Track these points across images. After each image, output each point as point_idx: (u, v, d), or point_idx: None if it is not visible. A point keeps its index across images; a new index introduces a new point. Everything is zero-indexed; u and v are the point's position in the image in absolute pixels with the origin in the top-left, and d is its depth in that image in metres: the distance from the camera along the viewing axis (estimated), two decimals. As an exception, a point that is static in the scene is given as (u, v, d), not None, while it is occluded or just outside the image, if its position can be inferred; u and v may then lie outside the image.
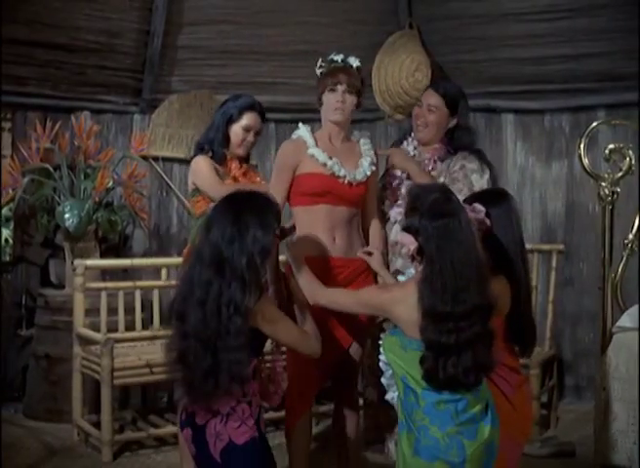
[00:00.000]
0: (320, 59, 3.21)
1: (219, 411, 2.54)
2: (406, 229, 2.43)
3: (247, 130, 3.56)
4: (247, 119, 3.56)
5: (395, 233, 3.34)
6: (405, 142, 3.57)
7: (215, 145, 3.56)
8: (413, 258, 2.45)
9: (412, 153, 3.51)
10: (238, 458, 2.54)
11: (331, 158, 3.10)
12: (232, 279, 2.45)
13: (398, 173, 3.47)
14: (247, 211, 2.50)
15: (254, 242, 2.46)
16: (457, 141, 3.46)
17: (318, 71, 3.19)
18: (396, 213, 3.34)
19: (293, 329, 2.68)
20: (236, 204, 2.54)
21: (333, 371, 3.19)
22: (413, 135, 3.58)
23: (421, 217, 2.36)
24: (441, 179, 3.33)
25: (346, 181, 3.10)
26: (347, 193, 3.12)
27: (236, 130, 3.56)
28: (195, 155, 3.59)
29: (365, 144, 3.25)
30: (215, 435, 2.54)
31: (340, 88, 3.12)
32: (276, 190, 3.08)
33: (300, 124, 3.22)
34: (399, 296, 2.45)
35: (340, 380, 3.27)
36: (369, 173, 3.18)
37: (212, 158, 3.55)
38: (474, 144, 3.55)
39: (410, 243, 2.40)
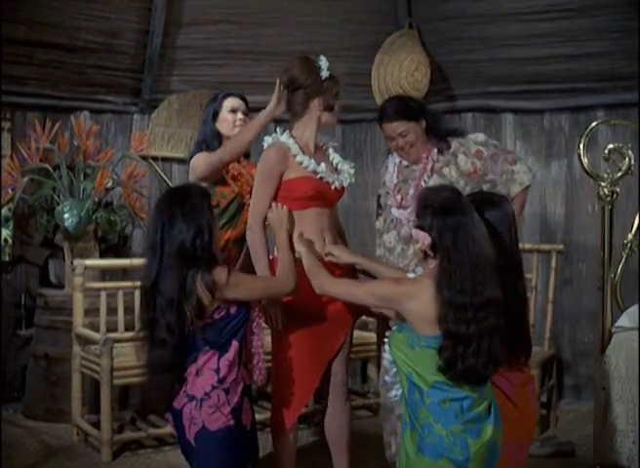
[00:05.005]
0: (325, 59, 3.17)
1: (194, 396, 2.62)
2: (419, 227, 2.49)
3: (233, 111, 3.62)
4: (229, 102, 3.63)
5: (404, 232, 3.36)
6: (391, 159, 3.57)
7: (208, 141, 3.60)
8: (425, 254, 2.50)
9: (405, 163, 3.49)
10: (211, 444, 2.63)
11: (319, 164, 3.13)
12: (168, 267, 2.65)
13: (395, 180, 3.49)
14: (175, 202, 2.72)
15: (182, 229, 2.65)
16: (436, 129, 3.45)
17: (325, 74, 3.14)
18: (407, 213, 3.36)
19: (256, 281, 2.87)
20: (166, 197, 2.79)
21: (323, 375, 3.20)
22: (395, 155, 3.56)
23: (434, 214, 2.44)
24: (452, 167, 3.34)
25: (334, 186, 3.15)
26: (333, 196, 3.20)
27: (224, 116, 3.61)
28: (193, 154, 3.62)
29: (334, 156, 3.28)
30: (190, 419, 2.65)
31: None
32: (263, 198, 3.10)
33: (279, 129, 3.21)
34: (413, 291, 2.47)
35: (326, 377, 3.27)
36: (353, 180, 3.25)
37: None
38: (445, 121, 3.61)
39: (423, 238, 2.46)
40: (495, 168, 3.38)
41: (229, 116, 3.61)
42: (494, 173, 3.37)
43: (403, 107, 3.39)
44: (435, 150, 3.40)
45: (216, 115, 3.62)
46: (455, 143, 3.40)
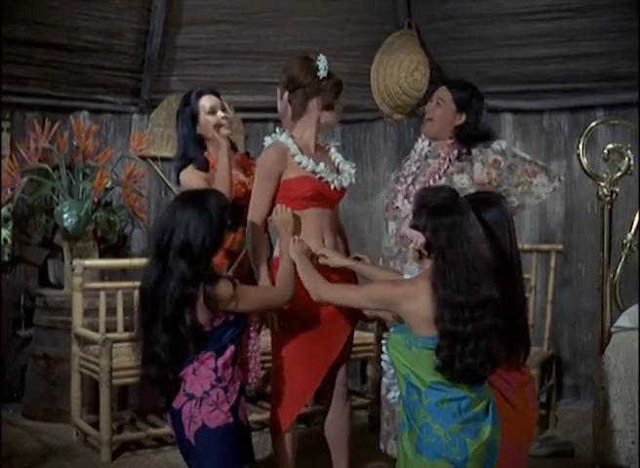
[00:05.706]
0: (323, 59, 3.16)
1: (193, 395, 2.63)
2: (413, 226, 2.48)
3: (213, 111, 3.47)
4: (205, 102, 3.47)
5: (402, 230, 3.37)
6: (420, 140, 3.58)
7: (191, 152, 3.46)
8: (420, 254, 2.50)
9: (426, 150, 3.51)
10: (211, 441, 2.64)
11: (318, 164, 3.11)
12: (171, 272, 2.60)
13: (413, 168, 3.49)
14: (188, 208, 2.65)
15: (191, 236, 2.60)
16: (464, 137, 3.46)
17: (323, 73, 3.13)
18: (407, 209, 3.37)
19: (254, 294, 2.81)
20: (183, 203, 2.70)
21: (323, 377, 3.19)
22: (422, 138, 3.58)
23: (430, 214, 2.44)
24: (465, 175, 3.34)
25: (333, 186, 3.13)
26: (333, 197, 3.17)
27: (204, 119, 3.46)
28: (179, 171, 3.47)
29: (336, 156, 3.27)
30: (189, 417, 2.65)
31: None
32: (263, 199, 3.08)
33: (278, 129, 3.19)
34: (410, 292, 2.47)
35: (330, 381, 3.27)
36: (353, 180, 3.22)
37: (195, 168, 3.43)
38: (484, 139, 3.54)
39: (417, 237, 2.46)
40: (511, 179, 3.37)
41: (210, 118, 3.46)
42: (509, 184, 3.36)
43: (463, 92, 3.47)
44: (456, 151, 3.40)
45: (195, 118, 3.47)
46: (475, 151, 3.40)
